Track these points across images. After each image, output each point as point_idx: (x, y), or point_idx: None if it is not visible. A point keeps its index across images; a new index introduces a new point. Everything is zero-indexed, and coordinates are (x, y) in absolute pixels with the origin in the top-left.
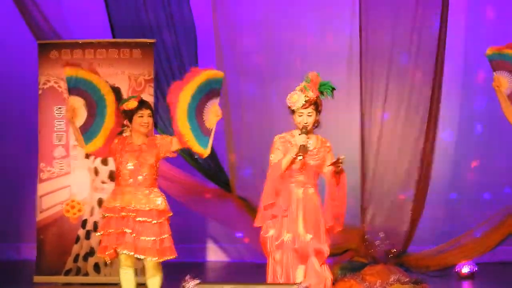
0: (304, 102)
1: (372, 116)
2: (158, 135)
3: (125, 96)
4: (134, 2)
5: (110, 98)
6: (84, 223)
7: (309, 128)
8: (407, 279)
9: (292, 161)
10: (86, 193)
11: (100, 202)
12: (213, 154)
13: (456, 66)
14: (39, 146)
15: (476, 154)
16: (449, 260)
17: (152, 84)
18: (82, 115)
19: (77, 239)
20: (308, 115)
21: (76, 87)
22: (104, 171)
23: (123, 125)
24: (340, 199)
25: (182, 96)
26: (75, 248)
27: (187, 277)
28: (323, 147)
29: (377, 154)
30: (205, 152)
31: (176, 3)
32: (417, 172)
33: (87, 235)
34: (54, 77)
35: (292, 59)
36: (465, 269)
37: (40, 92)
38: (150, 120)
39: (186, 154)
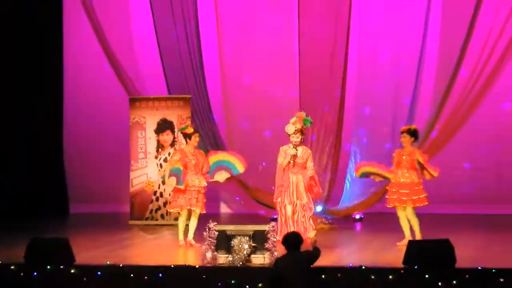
0: (294, 131)
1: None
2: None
3: (176, 126)
4: (179, 73)
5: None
6: (155, 193)
7: (297, 145)
8: (327, 222)
9: (288, 163)
10: (155, 177)
11: (163, 182)
12: None
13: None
14: (130, 152)
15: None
16: (349, 212)
17: (190, 119)
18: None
19: (151, 201)
20: (297, 138)
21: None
22: (164, 165)
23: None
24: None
25: (215, 157)
26: (150, 206)
27: (210, 221)
28: (306, 152)
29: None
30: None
31: (200, 75)
32: (331, 165)
33: (157, 199)
34: (138, 115)
35: (263, 94)
36: (357, 216)
37: (130, 124)
38: (198, 138)
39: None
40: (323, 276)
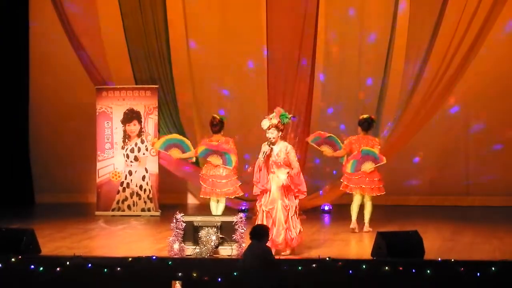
0: (268, 125)
1: None
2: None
3: (143, 116)
4: (146, 63)
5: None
6: (121, 183)
7: (273, 141)
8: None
9: (263, 161)
10: (121, 167)
11: (130, 173)
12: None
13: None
14: (96, 142)
15: None
16: (317, 203)
17: (157, 109)
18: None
19: (118, 191)
20: (271, 133)
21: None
22: (131, 156)
23: None
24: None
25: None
26: (117, 197)
27: (177, 212)
28: (284, 150)
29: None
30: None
31: (167, 65)
32: (298, 156)
33: (124, 190)
34: (105, 105)
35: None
36: (326, 207)
37: (97, 113)
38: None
39: None
40: (291, 268)
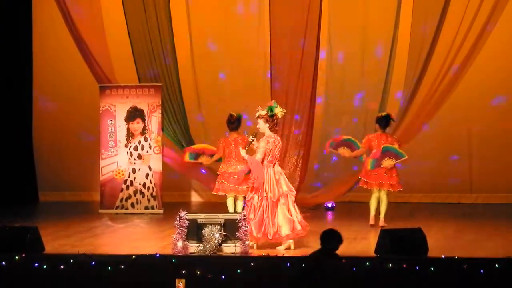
0: (257, 116)
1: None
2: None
3: (146, 114)
4: (149, 61)
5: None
6: (125, 181)
7: (256, 132)
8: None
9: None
10: (125, 165)
11: (133, 170)
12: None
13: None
14: (100, 140)
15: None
16: (320, 200)
17: (160, 107)
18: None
19: (121, 189)
20: (258, 124)
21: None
22: (135, 154)
23: None
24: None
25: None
26: (120, 194)
27: (181, 210)
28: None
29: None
30: None
31: (172, 63)
32: (301, 152)
33: (127, 188)
34: (108, 103)
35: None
36: (329, 205)
37: (100, 111)
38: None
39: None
40: (295, 265)
